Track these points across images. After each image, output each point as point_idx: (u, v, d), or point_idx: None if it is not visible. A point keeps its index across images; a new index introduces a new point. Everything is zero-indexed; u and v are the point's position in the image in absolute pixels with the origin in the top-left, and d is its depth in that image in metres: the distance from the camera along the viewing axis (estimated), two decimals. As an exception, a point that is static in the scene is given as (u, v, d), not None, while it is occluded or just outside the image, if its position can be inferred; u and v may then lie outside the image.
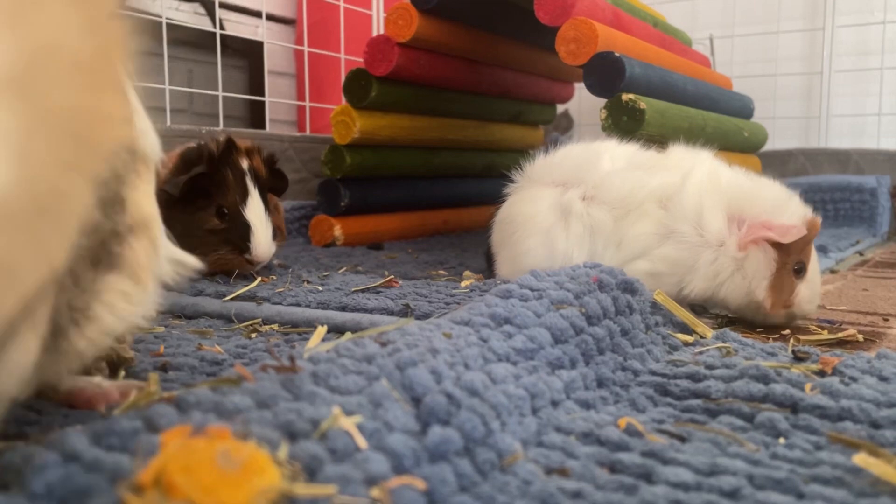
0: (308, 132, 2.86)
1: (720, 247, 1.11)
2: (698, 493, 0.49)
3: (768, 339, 0.99)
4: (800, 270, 1.11)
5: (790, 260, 1.10)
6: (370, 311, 1.11)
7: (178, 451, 0.40)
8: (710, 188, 1.14)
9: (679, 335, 0.93)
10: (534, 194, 1.29)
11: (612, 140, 1.33)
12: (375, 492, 0.44)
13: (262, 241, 1.37)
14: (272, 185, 1.50)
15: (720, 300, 1.13)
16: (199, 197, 1.35)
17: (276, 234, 1.45)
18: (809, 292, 1.12)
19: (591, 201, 1.21)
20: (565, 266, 1.20)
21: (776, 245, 1.09)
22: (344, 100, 2.04)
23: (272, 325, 1.08)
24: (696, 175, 1.17)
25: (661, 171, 1.20)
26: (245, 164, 1.39)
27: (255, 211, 1.36)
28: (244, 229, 1.35)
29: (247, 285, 1.28)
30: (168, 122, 2.24)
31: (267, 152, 1.51)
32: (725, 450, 0.57)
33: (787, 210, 1.11)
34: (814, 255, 1.15)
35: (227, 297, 1.20)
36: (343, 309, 1.13)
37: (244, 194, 1.37)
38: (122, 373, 0.76)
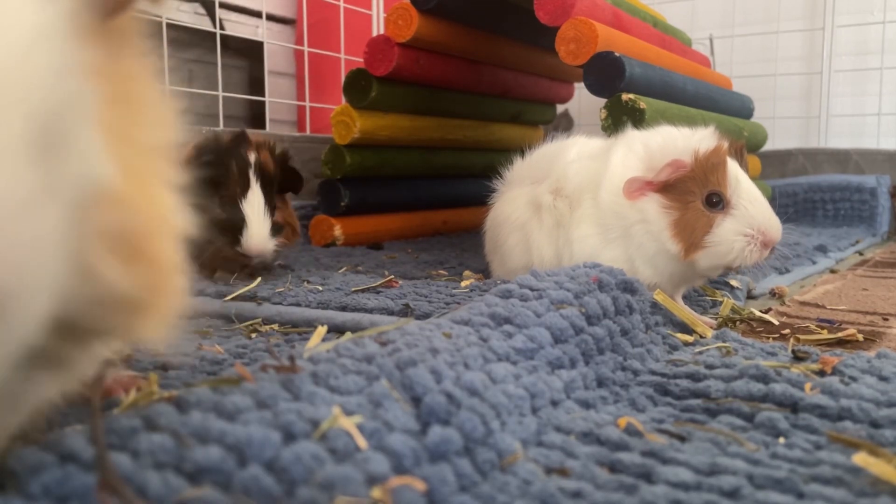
0: (308, 132, 2.86)
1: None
2: (698, 492, 0.49)
3: (768, 338, 0.99)
4: (717, 203, 1.03)
5: (693, 198, 1.04)
6: (370, 311, 1.11)
7: None
8: (630, 159, 1.10)
9: (679, 335, 0.93)
10: (513, 195, 1.29)
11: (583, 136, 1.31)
12: (376, 492, 0.44)
13: (256, 234, 1.34)
14: (285, 183, 1.48)
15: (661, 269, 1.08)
16: (208, 187, 1.33)
17: (282, 230, 1.42)
18: (739, 224, 1.02)
19: (557, 194, 1.19)
20: (542, 260, 1.20)
21: (665, 189, 1.05)
22: (344, 100, 2.04)
23: (272, 325, 1.08)
24: (616, 152, 1.12)
25: (603, 156, 1.16)
26: (252, 157, 1.37)
27: (253, 204, 1.34)
28: (239, 221, 1.34)
29: (247, 285, 1.28)
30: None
31: (282, 149, 1.48)
32: (725, 449, 0.57)
33: (674, 150, 1.05)
34: (744, 181, 1.06)
35: (228, 297, 1.20)
36: (343, 309, 1.13)
37: (245, 187, 1.35)
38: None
